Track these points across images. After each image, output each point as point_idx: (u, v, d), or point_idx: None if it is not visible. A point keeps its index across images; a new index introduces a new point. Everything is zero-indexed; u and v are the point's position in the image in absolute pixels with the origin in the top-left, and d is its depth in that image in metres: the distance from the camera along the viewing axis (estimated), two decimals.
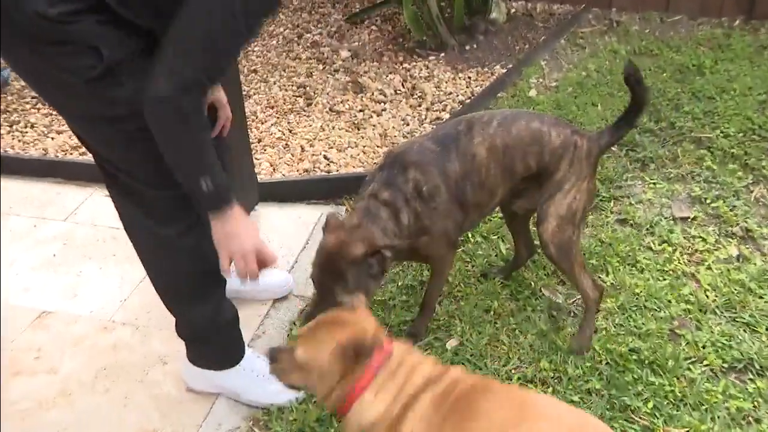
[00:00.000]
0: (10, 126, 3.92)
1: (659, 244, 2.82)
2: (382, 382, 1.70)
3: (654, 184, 3.16)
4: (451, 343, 2.45)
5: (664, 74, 4.01)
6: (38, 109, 4.08)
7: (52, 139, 3.78)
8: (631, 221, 2.95)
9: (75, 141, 3.69)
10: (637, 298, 2.57)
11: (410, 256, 2.31)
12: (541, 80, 4.11)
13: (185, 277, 2.13)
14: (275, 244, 2.97)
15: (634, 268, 2.71)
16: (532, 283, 2.68)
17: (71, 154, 3.65)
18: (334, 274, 2.04)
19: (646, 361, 2.30)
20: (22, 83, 4.31)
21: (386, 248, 2.06)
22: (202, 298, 2.16)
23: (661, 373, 2.26)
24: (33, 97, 4.18)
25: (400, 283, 2.70)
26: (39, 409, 2.32)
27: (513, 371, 2.33)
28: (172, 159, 1.78)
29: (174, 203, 1.99)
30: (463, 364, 2.35)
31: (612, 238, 2.83)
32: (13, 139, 3.80)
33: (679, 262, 2.72)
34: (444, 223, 2.19)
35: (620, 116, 2.31)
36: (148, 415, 2.26)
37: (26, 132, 3.86)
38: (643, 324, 2.45)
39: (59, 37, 1.67)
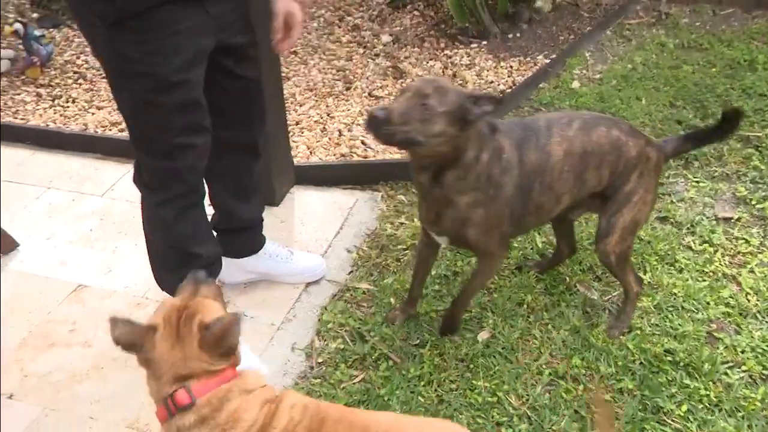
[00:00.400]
0: (53, 100, 3.96)
1: (700, 244, 2.76)
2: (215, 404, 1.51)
3: (697, 182, 3.09)
4: (483, 336, 2.42)
5: (714, 69, 3.92)
6: (79, 84, 4.12)
7: (93, 114, 3.81)
8: (672, 219, 2.89)
9: (114, 117, 3.73)
10: (674, 299, 2.52)
11: (460, 238, 2.19)
12: (584, 72, 4.03)
13: (157, 247, 2.32)
14: (309, 228, 2.97)
15: (672, 268, 2.66)
16: (567, 278, 2.64)
17: (110, 130, 3.67)
18: None
19: (682, 363, 2.26)
20: (65, 58, 4.36)
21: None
22: (174, 272, 2.20)
23: (697, 377, 2.22)
24: (75, 72, 4.22)
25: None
26: (72, 381, 2.34)
27: (544, 366, 2.30)
28: None
29: (159, 172, 2.16)
30: (494, 357, 2.33)
31: (651, 236, 2.78)
32: (55, 113, 3.84)
33: (720, 264, 2.66)
34: (502, 208, 2.10)
35: (695, 131, 2.33)
36: None
37: (67, 107, 3.90)
38: (679, 325, 2.40)
39: None
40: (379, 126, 1.85)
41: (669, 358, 2.28)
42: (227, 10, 2.10)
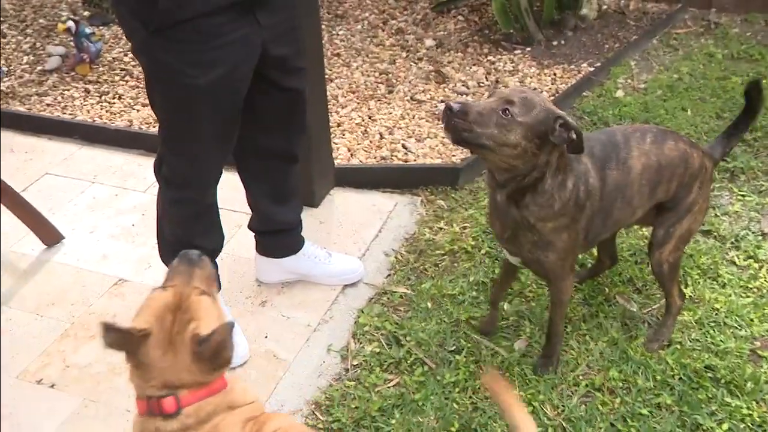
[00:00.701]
0: (100, 96, 4.03)
1: (744, 260, 2.70)
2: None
3: (743, 196, 3.03)
4: (519, 344, 2.41)
5: (765, 81, 3.82)
6: (126, 81, 4.18)
7: (137, 111, 3.87)
8: (716, 233, 2.84)
9: None
10: (716, 314, 2.47)
11: (536, 261, 2.11)
12: (629, 81, 3.98)
13: (165, 234, 2.38)
14: (348, 230, 2.98)
15: (715, 282, 2.61)
16: (606, 289, 2.61)
17: (154, 127, 3.72)
18: None
19: (723, 381, 2.22)
20: (113, 55, 4.43)
21: None
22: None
23: (739, 395, 2.17)
24: (122, 69, 4.29)
25: (471, 279, 2.66)
26: (111, 373, 2.38)
27: (581, 378, 2.28)
28: None
29: (180, 173, 2.22)
30: (530, 366, 2.31)
31: (694, 249, 2.73)
32: (101, 109, 3.90)
33: (765, 280, 2.61)
34: (581, 231, 2.06)
35: (731, 124, 2.30)
36: None
37: (114, 103, 3.96)
38: (721, 341, 2.36)
39: None
40: (451, 118, 1.81)
41: (710, 375, 2.24)
42: (278, 21, 2.10)
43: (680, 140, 2.18)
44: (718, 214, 2.94)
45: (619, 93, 3.84)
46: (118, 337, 1.44)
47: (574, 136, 1.85)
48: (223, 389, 1.53)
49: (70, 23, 4.16)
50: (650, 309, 2.53)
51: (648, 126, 2.23)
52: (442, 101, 3.79)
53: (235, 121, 2.18)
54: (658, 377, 2.25)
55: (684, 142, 2.19)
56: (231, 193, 2.59)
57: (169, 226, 2.36)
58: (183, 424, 1.47)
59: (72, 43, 4.27)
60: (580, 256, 2.74)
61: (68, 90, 4.09)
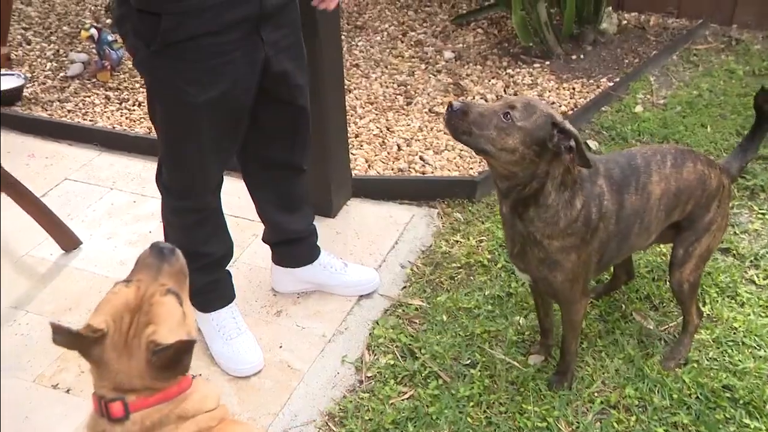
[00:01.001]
0: (120, 103, 4.06)
1: (764, 279, 2.68)
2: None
3: (763, 214, 3.01)
4: (535, 359, 2.40)
5: None
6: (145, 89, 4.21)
7: None
8: (734, 251, 2.81)
9: None
10: (734, 333, 2.45)
11: (544, 280, 2.10)
12: (648, 96, 3.97)
13: (171, 239, 2.35)
14: (364, 241, 2.98)
15: (733, 301, 2.59)
16: (623, 306, 2.60)
17: None
18: None
19: (741, 401, 2.19)
20: None
21: None
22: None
23: (758, 416, 2.15)
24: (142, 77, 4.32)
25: (486, 293, 2.66)
26: None
27: (596, 395, 2.27)
28: None
29: (179, 183, 2.25)
30: (545, 381, 2.30)
31: (712, 267, 2.71)
32: (121, 116, 3.94)
33: None
34: (594, 254, 2.04)
35: (745, 136, 2.29)
36: (226, 400, 2.29)
37: (133, 110, 3.99)
38: (739, 361, 2.34)
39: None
40: (452, 116, 1.81)
41: (727, 395, 2.22)
42: (281, 36, 2.10)
43: (698, 161, 2.16)
44: (738, 232, 2.92)
45: (638, 108, 3.83)
46: (69, 339, 1.39)
47: (572, 143, 1.81)
48: (179, 394, 1.47)
49: (93, 31, 4.20)
50: (667, 326, 2.51)
51: (667, 147, 2.20)
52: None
53: (235, 135, 2.20)
54: (675, 396, 2.23)
55: (702, 163, 2.16)
56: (247, 202, 2.59)
57: (174, 234, 2.37)
58: (127, 431, 1.42)
59: (94, 51, 4.31)
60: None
61: (89, 96, 4.12)
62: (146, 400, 1.43)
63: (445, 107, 1.83)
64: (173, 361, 1.40)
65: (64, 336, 1.38)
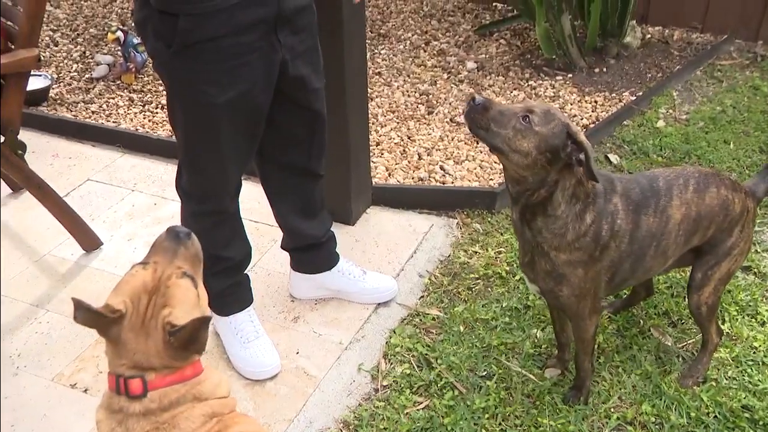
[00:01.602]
0: (143, 105, 4.10)
1: None
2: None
3: None
4: (551, 373, 2.39)
5: None
6: None
7: None
8: (756, 270, 2.79)
9: None
10: (754, 352, 2.43)
11: (551, 293, 2.09)
12: (670, 111, 3.95)
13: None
14: (383, 249, 2.98)
15: (753, 320, 2.57)
16: (641, 321, 2.58)
17: None
18: None
19: (761, 422, 2.17)
20: None
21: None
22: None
23: None
24: None
25: (504, 305, 2.65)
26: None
27: (612, 410, 2.25)
28: None
29: (198, 187, 2.26)
30: (561, 395, 2.29)
31: (732, 284, 2.69)
32: (144, 118, 3.97)
33: None
34: (604, 273, 2.03)
35: None
36: (242, 405, 2.31)
37: (156, 113, 4.03)
38: (759, 381, 2.31)
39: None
40: (473, 110, 1.83)
41: (747, 415, 2.20)
42: (299, 41, 2.12)
43: (722, 185, 2.13)
44: (759, 250, 2.89)
45: (660, 123, 3.81)
46: (90, 317, 1.44)
47: (582, 157, 1.82)
48: (194, 377, 1.52)
49: (119, 33, 4.25)
50: (685, 343, 2.50)
51: (691, 170, 2.16)
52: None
53: (253, 137, 2.21)
54: (692, 414, 2.21)
55: (726, 187, 2.13)
56: (266, 207, 2.61)
57: None
58: (146, 408, 1.46)
59: (120, 53, 4.35)
60: None
61: (113, 98, 4.16)
62: (164, 379, 1.48)
63: (467, 97, 1.83)
64: (190, 340, 1.45)
65: (84, 313, 1.43)
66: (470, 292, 2.75)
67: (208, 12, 1.90)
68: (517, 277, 2.77)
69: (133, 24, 4.98)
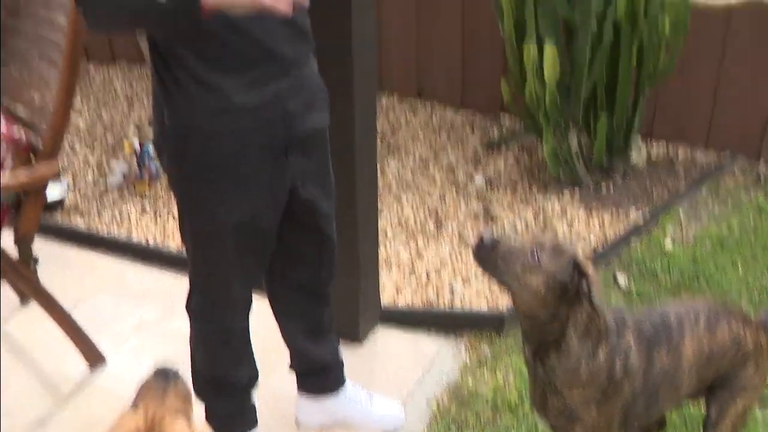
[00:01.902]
0: (155, 214, 4.15)
1: None
2: None
3: None
4: None
5: None
6: None
7: None
8: None
9: None
10: None
11: (562, 425, 2.04)
12: (678, 231, 3.97)
13: (197, 365, 2.40)
14: (389, 371, 2.96)
15: None
16: None
17: None
18: None
19: None
20: None
21: None
22: (207, 386, 2.38)
23: None
24: None
25: None
26: None
27: None
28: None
29: (206, 307, 2.28)
30: None
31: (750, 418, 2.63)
32: (155, 227, 4.01)
33: None
34: (617, 412, 2.00)
35: None
36: None
37: (168, 222, 4.07)
38: None
39: None
40: (480, 249, 1.86)
41: None
42: (309, 163, 2.14)
43: (733, 319, 2.13)
44: None
45: (668, 243, 3.83)
46: None
47: (585, 288, 1.82)
48: None
49: (136, 143, 4.35)
50: None
51: (701, 304, 2.16)
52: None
53: (262, 257, 2.23)
54: None
55: (737, 321, 2.13)
56: (275, 325, 2.59)
57: (200, 359, 2.38)
58: None
59: (135, 161, 4.44)
60: None
61: (125, 205, 4.22)
62: None
63: (475, 236, 1.86)
64: None
65: None
66: (478, 420, 2.70)
67: (220, 133, 1.95)
68: (527, 406, 2.73)
69: (150, 134, 5.11)
